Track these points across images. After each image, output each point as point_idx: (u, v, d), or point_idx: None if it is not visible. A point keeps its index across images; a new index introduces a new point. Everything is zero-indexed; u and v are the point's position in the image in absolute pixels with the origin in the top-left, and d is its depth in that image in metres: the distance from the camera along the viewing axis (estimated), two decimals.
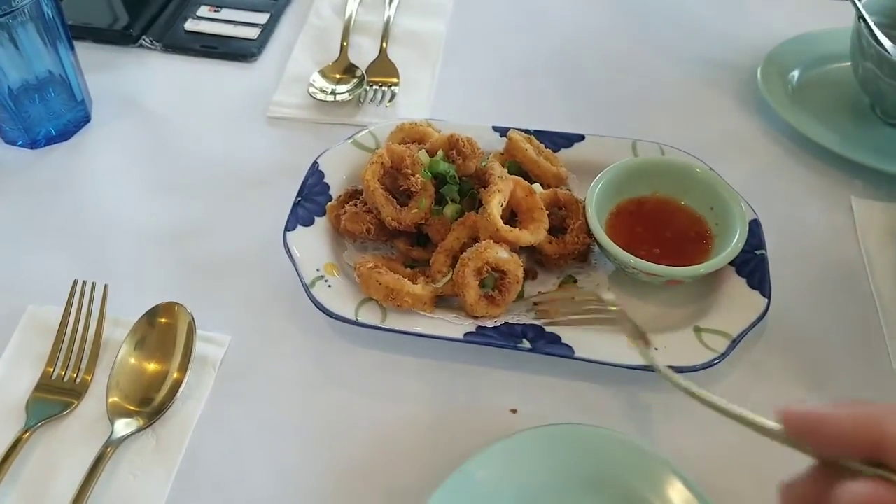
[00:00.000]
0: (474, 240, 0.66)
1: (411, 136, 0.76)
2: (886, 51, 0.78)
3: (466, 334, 0.63)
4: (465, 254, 0.64)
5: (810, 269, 0.74)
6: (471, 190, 0.71)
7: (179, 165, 0.83)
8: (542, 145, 0.77)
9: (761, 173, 0.83)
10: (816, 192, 0.81)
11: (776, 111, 0.86)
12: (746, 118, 0.89)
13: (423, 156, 0.70)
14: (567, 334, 0.63)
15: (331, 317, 0.64)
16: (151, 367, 0.62)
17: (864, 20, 0.80)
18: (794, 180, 0.82)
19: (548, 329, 0.64)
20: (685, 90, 0.93)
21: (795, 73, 0.92)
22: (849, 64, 0.86)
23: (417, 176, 0.68)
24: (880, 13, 0.84)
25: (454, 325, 0.64)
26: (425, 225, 0.69)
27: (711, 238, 0.70)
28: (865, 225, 0.77)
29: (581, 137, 0.79)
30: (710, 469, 0.59)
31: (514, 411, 0.63)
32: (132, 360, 0.62)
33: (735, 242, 0.66)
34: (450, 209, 0.69)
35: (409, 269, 0.68)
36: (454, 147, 0.70)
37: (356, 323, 0.63)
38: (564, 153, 0.78)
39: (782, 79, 0.91)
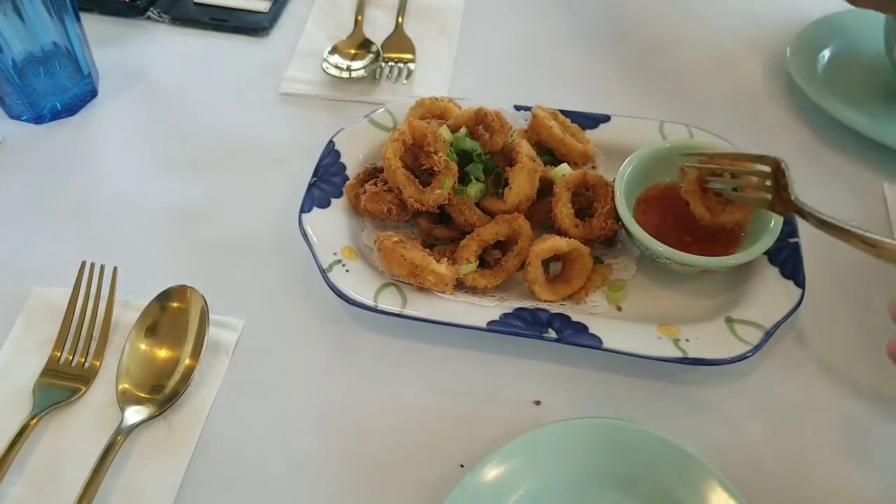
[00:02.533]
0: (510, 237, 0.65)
1: (432, 111, 0.73)
2: None
3: (490, 323, 0.61)
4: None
5: (843, 258, 0.70)
6: (496, 168, 0.68)
7: (189, 142, 0.80)
8: (567, 120, 0.74)
9: (791, 156, 0.79)
10: (848, 178, 0.78)
11: (806, 93, 0.83)
12: (775, 99, 0.86)
13: (446, 132, 0.67)
14: (594, 324, 0.61)
15: (349, 303, 0.62)
16: (163, 353, 0.59)
17: None
18: (825, 165, 0.80)
19: (574, 318, 0.61)
20: (713, 70, 0.90)
21: (826, 54, 0.89)
22: (878, 45, 0.83)
23: (441, 154, 0.65)
24: None
25: (477, 312, 0.62)
26: (448, 205, 0.67)
27: (743, 226, 0.67)
28: None
29: (607, 118, 0.76)
30: (740, 463, 0.57)
31: (537, 403, 0.61)
32: (143, 346, 0.60)
33: (770, 230, 0.64)
34: (474, 188, 0.67)
35: (427, 250, 0.66)
36: (482, 122, 0.68)
37: (375, 310, 0.61)
38: (589, 134, 0.75)
39: (812, 59, 0.87)
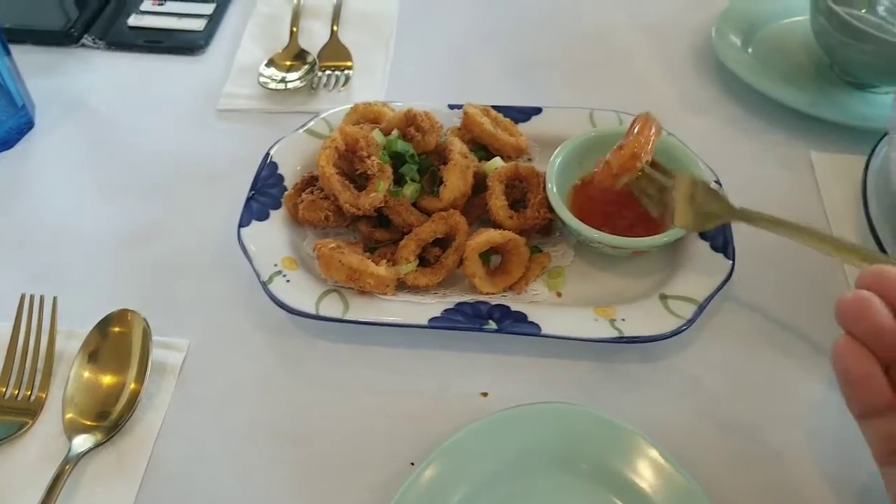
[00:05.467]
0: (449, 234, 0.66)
1: (366, 116, 0.74)
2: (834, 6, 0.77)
3: (431, 320, 0.62)
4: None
5: None
6: (430, 167, 0.69)
7: (129, 167, 0.80)
8: (499, 115, 0.75)
9: (721, 134, 0.82)
10: (777, 150, 0.80)
11: (733, 70, 0.85)
12: (704, 78, 0.88)
13: (378, 136, 0.68)
14: (533, 312, 0.62)
15: (290, 312, 0.62)
16: (107, 379, 0.59)
17: None
18: (754, 139, 0.81)
19: (514, 308, 0.62)
20: (640, 54, 0.92)
21: (752, 30, 0.90)
22: (806, 18, 0.85)
23: (374, 158, 0.66)
24: None
25: (419, 310, 0.63)
26: (385, 207, 0.68)
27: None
28: (826, 179, 0.76)
29: (538, 111, 0.77)
30: (682, 438, 0.58)
31: (484, 394, 0.62)
32: (86, 374, 0.60)
33: None
34: (409, 189, 0.68)
35: (369, 254, 0.67)
36: (412, 123, 0.69)
37: (317, 317, 0.62)
38: (522, 127, 0.76)
39: (739, 36, 0.89)
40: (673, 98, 0.85)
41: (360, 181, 0.68)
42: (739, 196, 0.70)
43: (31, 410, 0.59)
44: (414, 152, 0.68)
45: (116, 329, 0.62)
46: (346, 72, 0.88)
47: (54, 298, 0.64)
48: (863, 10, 0.81)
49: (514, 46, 0.93)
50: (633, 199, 0.69)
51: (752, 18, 0.91)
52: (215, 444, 0.59)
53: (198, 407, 0.61)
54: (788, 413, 0.60)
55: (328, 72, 0.88)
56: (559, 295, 0.66)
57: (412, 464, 0.57)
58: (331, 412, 0.61)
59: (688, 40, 0.92)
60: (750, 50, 0.88)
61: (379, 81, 0.87)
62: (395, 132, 0.69)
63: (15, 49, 0.80)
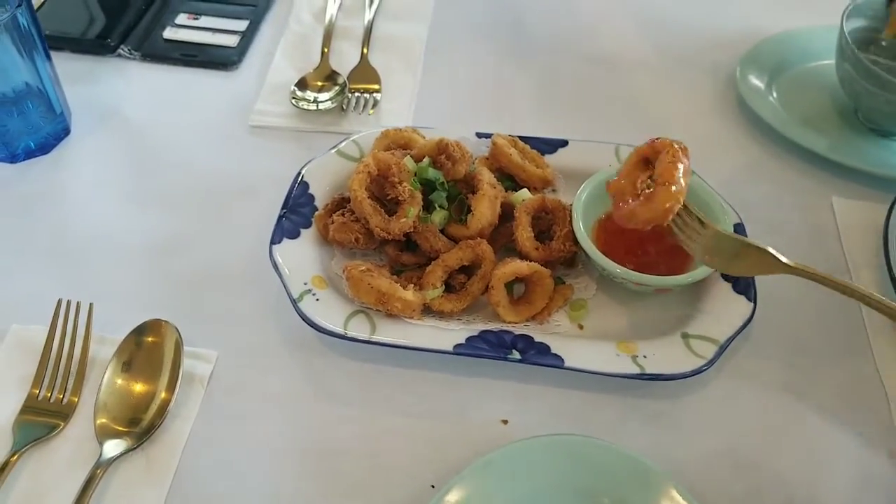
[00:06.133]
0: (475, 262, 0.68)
1: (396, 142, 0.76)
2: (861, 55, 0.79)
3: (456, 346, 0.63)
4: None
5: None
6: (459, 195, 0.71)
7: (162, 177, 0.82)
8: (526, 146, 0.77)
9: (742, 175, 0.84)
10: (798, 194, 0.82)
11: (756, 111, 0.86)
12: (727, 118, 0.90)
13: (409, 163, 0.70)
14: (556, 344, 0.64)
15: (320, 331, 0.64)
16: (139, 387, 0.61)
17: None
18: (775, 182, 0.83)
19: (537, 339, 0.64)
20: (666, 90, 0.94)
21: (776, 72, 0.92)
22: (831, 62, 0.87)
23: (405, 184, 0.68)
24: (867, 14, 0.85)
25: (443, 335, 0.64)
26: (414, 233, 0.69)
27: None
28: (847, 225, 0.78)
29: (564, 143, 0.79)
30: (697, 476, 0.60)
31: (504, 422, 0.63)
32: (119, 381, 0.61)
33: None
34: (438, 216, 0.69)
35: (395, 277, 0.69)
36: (443, 152, 0.70)
37: (345, 337, 0.63)
38: (549, 159, 0.78)
39: (762, 77, 0.91)
40: (694, 135, 0.85)
41: (389, 206, 0.70)
42: (759, 237, 0.72)
43: (64, 413, 0.61)
44: (444, 180, 0.70)
45: (150, 338, 0.63)
46: (374, 95, 0.89)
47: (90, 305, 0.66)
48: (889, 60, 0.83)
49: (539, 76, 0.95)
50: (658, 235, 0.71)
51: (777, 60, 0.93)
52: (241, 456, 0.61)
53: (224, 418, 0.63)
54: (804, 457, 0.61)
55: (357, 94, 0.90)
56: (581, 327, 0.68)
57: (433, 486, 0.59)
58: (354, 430, 0.62)
59: (711, 78, 0.94)
60: (774, 92, 0.90)
61: (406, 105, 0.89)
62: (426, 160, 0.70)
63: (53, 56, 0.82)
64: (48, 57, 0.81)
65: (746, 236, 0.71)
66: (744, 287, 0.68)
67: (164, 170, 0.82)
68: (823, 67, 0.92)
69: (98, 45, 0.95)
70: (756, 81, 0.90)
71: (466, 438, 0.62)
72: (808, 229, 0.78)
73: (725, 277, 0.68)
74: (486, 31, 1.01)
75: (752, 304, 0.66)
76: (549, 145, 0.78)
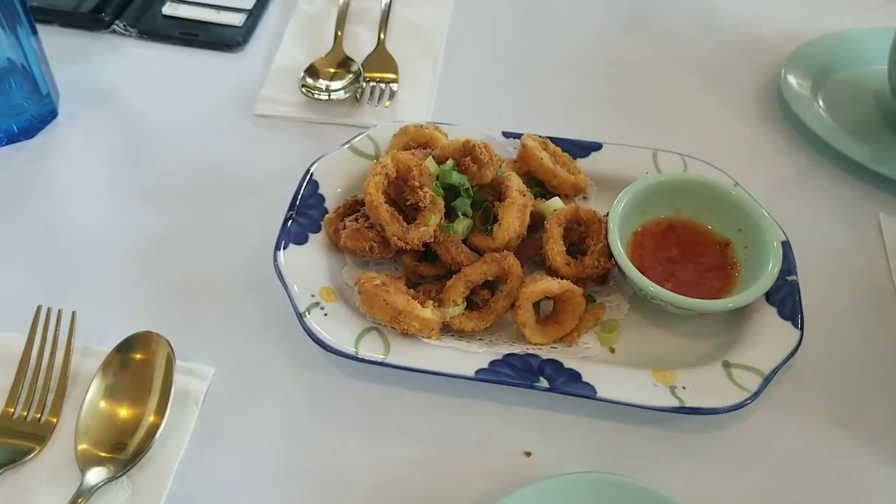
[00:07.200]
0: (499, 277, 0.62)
1: (416, 140, 0.70)
2: None
3: (478, 371, 0.57)
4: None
5: (839, 293, 0.69)
6: (485, 202, 0.65)
7: (157, 168, 0.75)
8: (558, 149, 0.71)
9: (784, 186, 0.78)
10: (843, 208, 0.76)
11: (800, 118, 0.80)
12: (770, 123, 0.84)
13: (431, 165, 0.64)
14: (588, 371, 0.58)
15: (328, 351, 0.58)
16: (125, 411, 0.55)
17: None
18: (819, 194, 0.77)
19: (567, 365, 0.58)
20: (705, 93, 0.87)
21: (822, 76, 0.86)
22: (882, 68, 0.81)
23: (426, 189, 0.62)
24: None
25: (464, 359, 0.58)
26: (434, 243, 0.63)
27: (739, 264, 0.65)
28: (895, 244, 0.72)
29: (598, 146, 0.73)
30: None
31: (528, 454, 0.58)
32: (102, 404, 0.55)
33: (769, 272, 0.61)
34: (461, 224, 0.63)
35: (411, 291, 0.63)
36: (469, 154, 0.64)
37: (356, 358, 0.57)
38: (581, 163, 0.72)
39: (808, 82, 0.85)
40: (735, 143, 0.81)
41: (408, 211, 0.64)
42: (802, 255, 0.67)
43: (41, 435, 0.55)
44: (469, 186, 0.64)
45: (138, 355, 0.57)
46: (391, 85, 0.83)
47: (73, 313, 0.60)
48: None
49: (568, 73, 0.88)
50: (699, 250, 0.65)
51: (823, 63, 0.87)
52: (236, 486, 0.55)
53: (220, 442, 0.57)
54: (850, 499, 0.56)
55: (372, 83, 0.83)
56: (612, 350, 0.62)
57: None
58: (362, 460, 0.57)
59: (753, 82, 0.88)
60: (819, 98, 0.84)
61: (426, 98, 0.83)
62: (449, 162, 0.64)
63: (40, 31, 0.75)
64: (34, 31, 0.74)
65: (792, 254, 0.65)
66: (790, 312, 0.62)
67: (160, 161, 0.76)
68: (873, 73, 0.86)
69: (91, 19, 0.88)
70: (801, 85, 0.84)
71: (487, 471, 0.56)
72: (855, 248, 0.73)
73: (769, 301, 0.63)
74: (514, 19, 0.94)
75: (798, 332, 0.61)
76: (582, 148, 0.72)
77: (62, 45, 0.84)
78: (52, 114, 0.79)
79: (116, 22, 0.88)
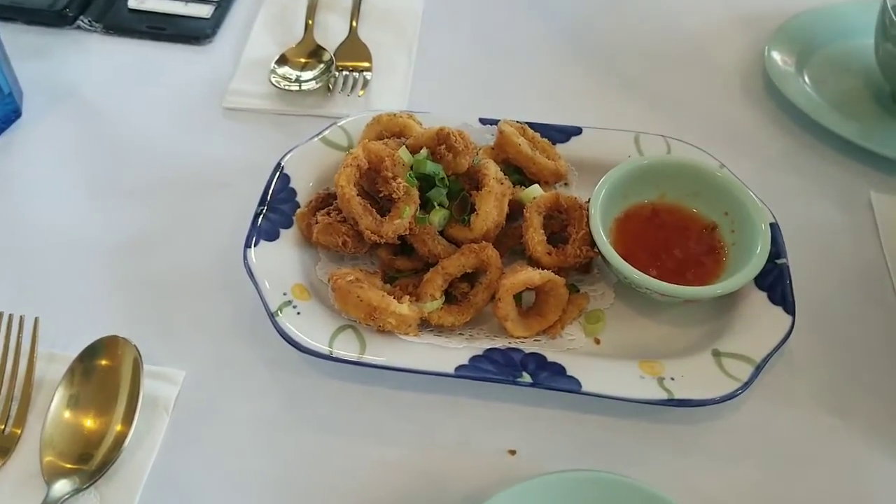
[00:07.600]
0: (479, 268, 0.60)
1: (390, 129, 0.67)
2: None
3: (458, 368, 0.55)
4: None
5: (831, 275, 0.67)
6: (461, 192, 0.63)
7: (124, 166, 0.73)
8: (537, 135, 0.69)
9: (771, 165, 0.76)
10: (833, 187, 0.74)
11: (786, 95, 0.78)
12: (754, 103, 0.82)
13: (405, 154, 0.62)
14: (572, 364, 0.56)
15: (301, 350, 0.56)
16: (90, 421, 0.53)
17: None
18: (808, 174, 0.75)
19: (550, 358, 0.56)
20: (687, 71, 0.85)
21: (807, 52, 0.84)
22: (868, 41, 0.78)
23: (400, 180, 0.60)
24: None
25: (444, 355, 0.56)
26: (410, 235, 0.61)
27: (727, 248, 0.63)
28: (887, 222, 0.70)
29: (578, 131, 0.70)
30: None
31: (512, 452, 0.56)
32: (67, 414, 0.53)
33: (757, 256, 0.59)
34: (437, 216, 0.61)
35: (388, 286, 0.60)
36: (444, 142, 0.62)
37: (331, 358, 0.55)
38: (560, 149, 0.69)
39: (793, 57, 0.83)
40: (719, 123, 0.79)
41: (382, 203, 0.61)
42: (792, 236, 0.65)
43: (4, 447, 0.53)
44: (444, 175, 0.61)
45: (104, 361, 0.55)
46: (364, 74, 0.80)
47: (35, 319, 0.57)
48: None
49: (548, 56, 0.86)
50: (684, 236, 0.63)
51: (808, 38, 0.85)
52: (210, 492, 0.53)
53: (192, 448, 0.55)
54: (845, 489, 0.55)
55: (345, 72, 0.80)
56: (597, 342, 0.60)
57: None
58: (340, 463, 0.55)
59: (736, 60, 0.86)
60: (805, 74, 0.82)
61: (400, 86, 0.80)
62: (423, 151, 0.62)
63: (2, 28, 0.72)
64: None
65: (781, 236, 0.63)
66: (781, 297, 0.60)
67: (127, 158, 0.74)
68: (860, 47, 0.83)
69: (54, 15, 0.85)
70: (785, 62, 0.82)
71: (469, 472, 0.54)
72: (845, 227, 0.71)
73: (759, 286, 0.61)
74: (489, 2, 0.91)
75: (790, 318, 0.59)
76: (562, 133, 0.70)
77: (25, 43, 0.81)
78: (16, 113, 0.76)
79: (81, 17, 0.86)
